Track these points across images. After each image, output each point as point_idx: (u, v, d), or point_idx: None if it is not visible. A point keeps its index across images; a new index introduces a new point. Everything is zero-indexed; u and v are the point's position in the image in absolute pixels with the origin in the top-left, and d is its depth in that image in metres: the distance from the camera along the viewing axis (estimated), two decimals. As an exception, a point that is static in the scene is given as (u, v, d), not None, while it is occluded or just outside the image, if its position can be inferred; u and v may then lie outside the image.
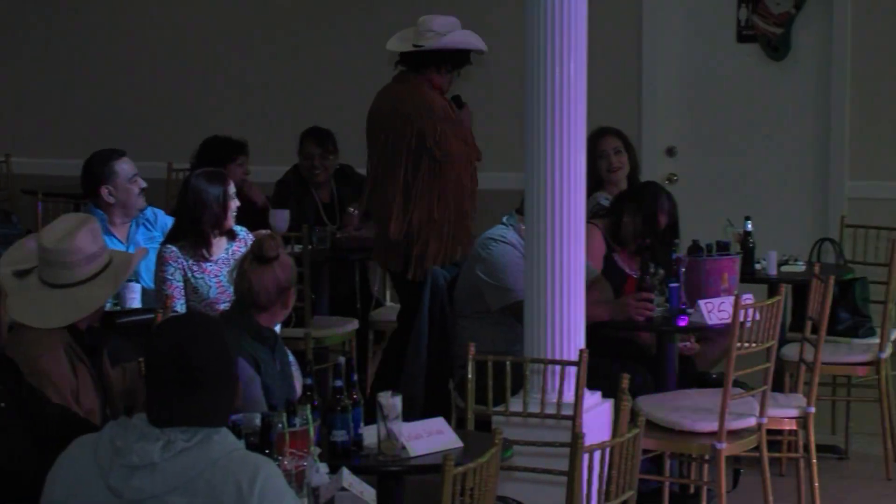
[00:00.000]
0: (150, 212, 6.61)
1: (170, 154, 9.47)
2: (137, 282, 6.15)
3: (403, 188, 6.68)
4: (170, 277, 5.94)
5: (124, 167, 6.44)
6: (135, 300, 6.03)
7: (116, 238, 6.39)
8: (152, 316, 5.52)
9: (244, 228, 6.18)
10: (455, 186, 6.71)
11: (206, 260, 5.97)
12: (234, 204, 6.04)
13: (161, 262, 5.97)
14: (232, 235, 6.07)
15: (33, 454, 3.93)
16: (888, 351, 6.67)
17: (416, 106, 6.70)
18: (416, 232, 6.67)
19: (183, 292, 5.96)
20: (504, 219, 6.24)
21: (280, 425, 4.10)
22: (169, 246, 5.99)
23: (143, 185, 6.49)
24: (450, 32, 6.80)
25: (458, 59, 6.86)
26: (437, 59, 6.80)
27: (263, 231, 6.24)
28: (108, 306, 5.51)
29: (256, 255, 4.81)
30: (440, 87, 6.84)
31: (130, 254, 5.10)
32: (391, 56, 7.03)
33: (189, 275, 5.96)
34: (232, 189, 6.04)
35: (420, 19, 6.87)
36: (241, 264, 4.87)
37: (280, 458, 4.02)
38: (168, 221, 6.61)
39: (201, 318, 3.64)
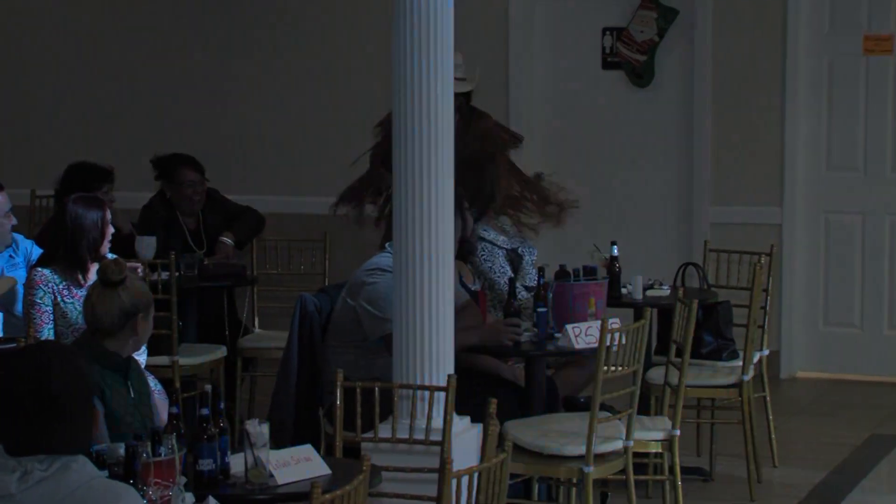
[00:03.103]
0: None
1: (32, 181, 9.33)
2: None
3: None
4: (39, 301, 5.86)
5: (1, 201, 6.36)
6: (-4, 328, 5.94)
7: (-21, 267, 6.29)
8: (15, 345, 5.42)
9: (116, 256, 6.11)
10: None
11: (80, 286, 5.90)
12: (110, 230, 6.00)
13: (31, 285, 5.89)
14: None
15: None
16: (751, 374, 6.77)
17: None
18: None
19: (52, 317, 5.87)
20: (387, 245, 6.18)
21: (145, 454, 4.05)
22: (39, 269, 5.91)
23: (15, 221, 6.43)
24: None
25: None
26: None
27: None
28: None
29: (101, 279, 4.77)
30: None
31: None
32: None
33: (59, 299, 5.88)
34: (109, 215, 6.01)
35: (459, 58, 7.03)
36: (89, 289, 4.82)
37: (145, 487, 3.97)
38: (29, 246, 6.52)
39: (57, 346, 3.60)
